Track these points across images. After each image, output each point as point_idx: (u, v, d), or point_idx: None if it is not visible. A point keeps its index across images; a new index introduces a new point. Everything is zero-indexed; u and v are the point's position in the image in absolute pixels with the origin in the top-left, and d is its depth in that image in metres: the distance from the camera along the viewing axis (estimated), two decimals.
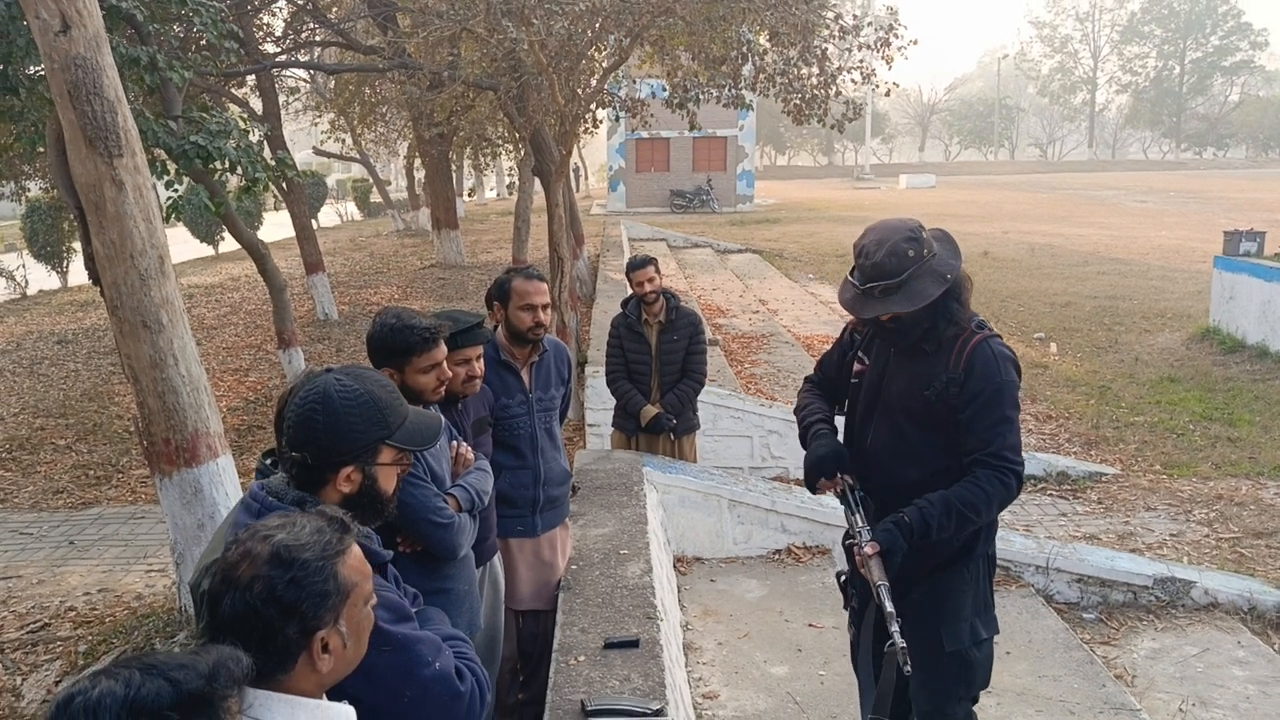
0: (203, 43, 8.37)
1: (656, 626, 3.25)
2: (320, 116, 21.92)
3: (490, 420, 3.44)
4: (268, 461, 2.23)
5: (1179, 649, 4.55)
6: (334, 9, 14.12)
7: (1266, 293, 10.32)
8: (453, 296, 15.78)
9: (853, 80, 10.30)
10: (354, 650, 1.55)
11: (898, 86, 11.28)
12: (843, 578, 2.99)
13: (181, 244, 21.92)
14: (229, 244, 24.54)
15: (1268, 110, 71.09)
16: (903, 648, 2.39)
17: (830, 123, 9.77)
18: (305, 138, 33.11)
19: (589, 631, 3.22)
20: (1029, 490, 6.84)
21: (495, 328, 3.59)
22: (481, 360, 3.13)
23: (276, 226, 24.66)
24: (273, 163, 7.39)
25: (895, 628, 2.45)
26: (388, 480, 2.04)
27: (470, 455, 2.99)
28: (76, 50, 3.95)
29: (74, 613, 5.63)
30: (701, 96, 9.73)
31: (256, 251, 9.01)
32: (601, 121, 12.81)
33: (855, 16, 10.66)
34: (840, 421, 3.05)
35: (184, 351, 4.45)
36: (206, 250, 25.16)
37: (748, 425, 7.38)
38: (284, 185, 12.05)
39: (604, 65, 9.68)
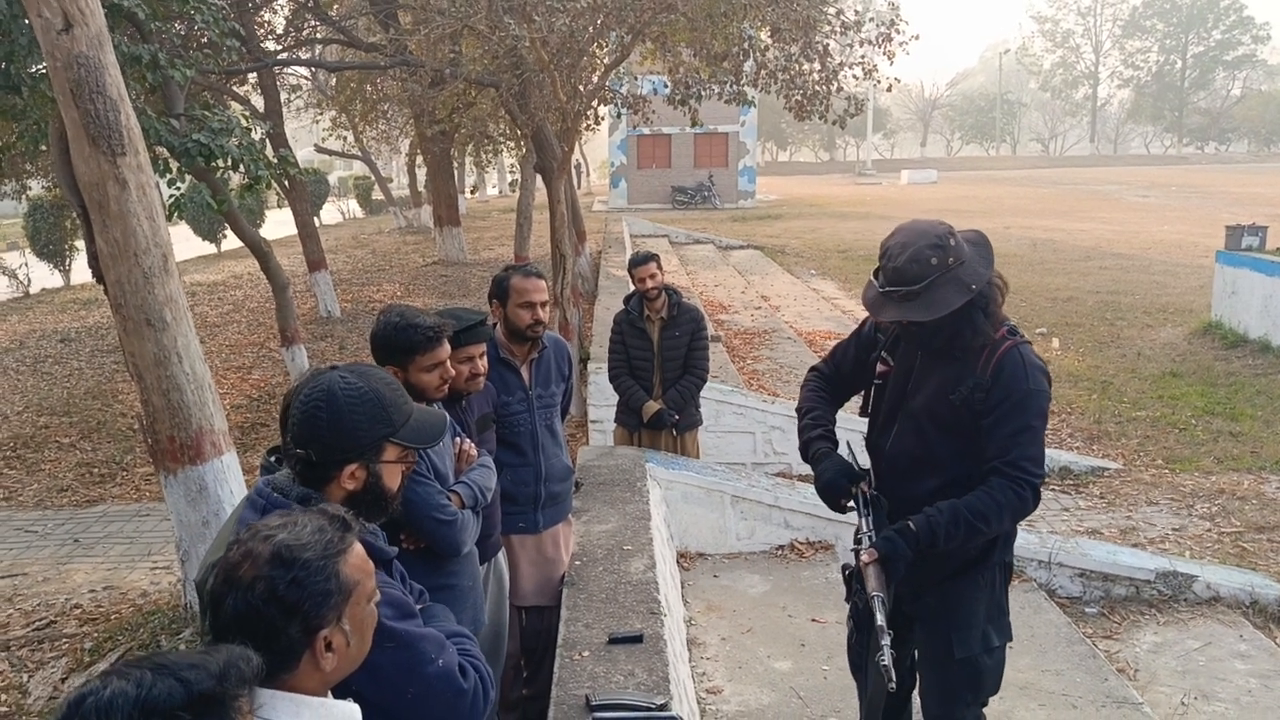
0: (204, 40, 8.38)
1: (660, 622, 3.26)
2: (322, 114, 21.93)
3: (494, 417, 3.45)
4: (273, 459, 2.24)
5: (1181, 643, 4.56)
6: (335, 6, 14.13)
7: (1269, 287, 10.31)
8: (455, 294, 15.80)
9: (854, 76, 10.31)
10: (358, 648, 1.55)
11: (899, 82, 11.27)
12: (847, 570, 2.97)
13: (184, 242, 21.96)
14: (231, 242, 24.58)
15: (1269, 105, 70.96)
16: (886, 666, 2.31)
17: (832, 119, 9.77)
18: (307, 135, 33.08)
19: (593, 627, 3.23)
20: None
21: (495, 325, 3.60)
22: (484, 358, 3.14)
23: (279, 224, 24.68)
24: (275, 160, 7.40)
25: (886, 640, 2.36)
26: (392, 477, 2.05)
27: (473, 452, 3.00)
28: (79, 49, 3.96)
29: (79, 610, 5.65)
30: (703, 93, 9.74)
31: (259, 249, 9.04)
32: (603, 118, 12.81)
33: (857, 12, 10.66)
34: (841, 421, 3.02)
35: (188, 349, 4.47)
36: (209, 248, 25.22)
37: (750, 421, 7.39)
38: (286, 183, 12.07)
39: (605, 62, 9.69)
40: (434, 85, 11.01)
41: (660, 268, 5.60)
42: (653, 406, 5.60)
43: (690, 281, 15.77)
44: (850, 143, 78.83)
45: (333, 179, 42.08)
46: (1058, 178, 51.04)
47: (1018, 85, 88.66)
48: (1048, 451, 7.39)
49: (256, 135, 8.21)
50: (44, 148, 6.48)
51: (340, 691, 1.59)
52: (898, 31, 9.68)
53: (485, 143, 19.01)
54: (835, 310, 14.28)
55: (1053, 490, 6.92)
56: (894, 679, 2.30)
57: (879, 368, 2.86)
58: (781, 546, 5.44)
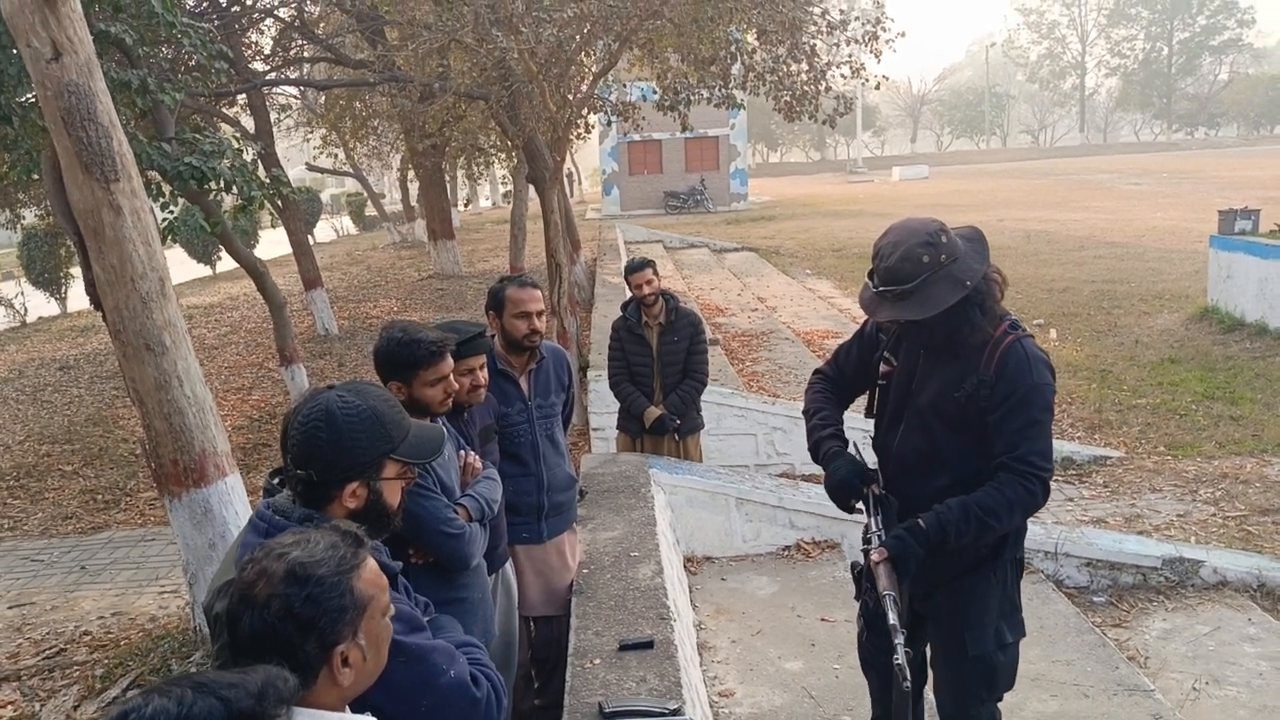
0: (192, 63, 8.39)
1: (670, 627, 3.27)
2: (312, 132, 21.94)
3: (496, 429, 3.46)
4: (275, 481, 2.25)
5: (1190, 628, 4.57)
6: (321, 25, 14.15)
7: (1263, 270, 10.33)
8: (452, 307, 15.80)
9: (842, 75, 10.33)
10: (374, 662, 1.56)
11: (888, 79, 11.31)
12: (857, 569, 2.96)
13: (179, 265, 21.94)
14: (226, 264, 24.62)
15: (1257, 88, 71.06)
16: (900, 664, 2.30)
17: (822, 118, 9.79)
18: (298, 154, 33.11)
19: (603, 634, 3.23)
20: None
21: (493, 337, 3.60)
22: (485, 370, 3.15)
23: (272, 244, 24.70)
24: (267, 181, 7.41)
25: (899, 640, 2.35)
26: (392, 494, 2.06)
27: (479, 464, 3.01)
28: (69, 77, 3.97)
29: (89, 637, 5.64)
30: (692, 98, 9.76)
31: (255, 270, 9.04)
32: (594, 126, 12.85)
33: (842, 11, 10.69)
34: (847, 420, 3.02)
35: (188, 372, 4.47)
36: (204, 270, 25.24)
37: (752, 423, 7.40)
38: (279, 203, 12.08)
39: (594, 70, 9.71)
40: (424, 100, 11.03)
41: (657, 273, 5.62)
42: (654, 412, 5.61)
43: (686, 285, 15.78)
44: (840, 141, 79.01)
45: (325, 196, 42.14)
46: (1049, 169, 51.14)
47: (1005, 78, 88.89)
48: None
49: (248, 156, 8.23)
50: (36, 177, 6.49)
51: (356, 706, 1.60)
52: (884, 29, 9.70)
53: (477, 155, 19.02)
54: (832, 309, 14.30)
55: (1056, 481, 6.87)
56: (907, 678, 2.30)
57: (882, 368, 2.86)
58: (788, 547, 5.45)
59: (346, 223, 40.64)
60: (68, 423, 10.93)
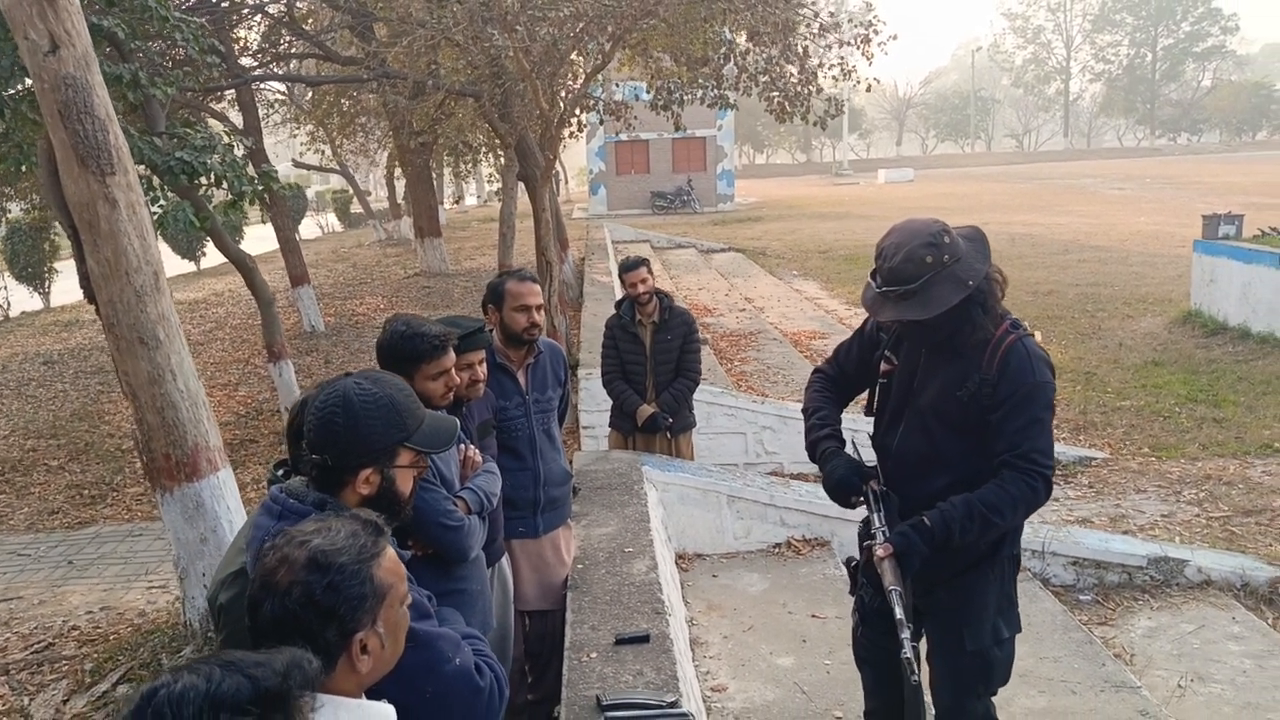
0: (183, 58, 8.36)
1: (665, 621, 3.29)
2: (299, 128, 21.86)
3: (494, 423, 3.48)
4: (279, 472, 2.26)
5: (1175, 627, 4.62)
6: (310, 20, 14.11)
7: (1246, 275, 10.44)
8: (439, 304, 15.78)
9: (833, 77, 10.38)
10: (392, 650, 1.59)
11: (878, 82, 11.36)
12: (853, 563, 2.98)
13: (163, 260, 21.78)
14: (211, 260, 24.50)
15: (1240, 94, 71.62)
16: (908, 658, 2.33)
17: (813, 119, 9.84)
18: (285, 150, 32.99)
19: (599, 629, 3.26)
20: None
21: (492, 331, 3.62)
22: (484, 364, 3.17)
23: (258, 240, 24.59)
24: (256, 176, 7.39)
25: (906, 634, 2.37)
26: (405, 482, 2.08)
27: (478, 458, 3.03)
28: (66, 70, 3.96)
29: (77, 631, 5.62)
30: (685, 98, 9.79)
31: (244, 265, 9.01)
32: (585, 125, 12.87)
33: (832, 13, 10.74)
34: (847, 421, 3.04)
35: (181, 366, 4.47)
36: (188, 266, 25.07)
37: (741, 422, 7.43)
38: (267, 198, 12.03)
39: (586, 69, 9.72)
40: (414, 96, 11.02)
41: (651, 272, 5.64)
42: (647, 410, 5.63)
43: (674, 285, 15.82)
44: (826, 144, 79.20)
45: (310, 193, 41.95)
46: (1033, 173, 51.42)
47: (990, 82, 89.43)
48: None
49: (239, 151, 8.21)
50: (25, 170, 6.46)
51: (368, 693, 1.62)
52: (875, 32, 9.75)
53: (465, 152, 19.00)
54: (819, 310, 14.35)
55: None
56: (916, 672, 2.33)
57: (883, 366, 2.87)
58: (778, 544, 5.48)
59: (332, 220, 40.49)
60: (53, 418, 10.87)
